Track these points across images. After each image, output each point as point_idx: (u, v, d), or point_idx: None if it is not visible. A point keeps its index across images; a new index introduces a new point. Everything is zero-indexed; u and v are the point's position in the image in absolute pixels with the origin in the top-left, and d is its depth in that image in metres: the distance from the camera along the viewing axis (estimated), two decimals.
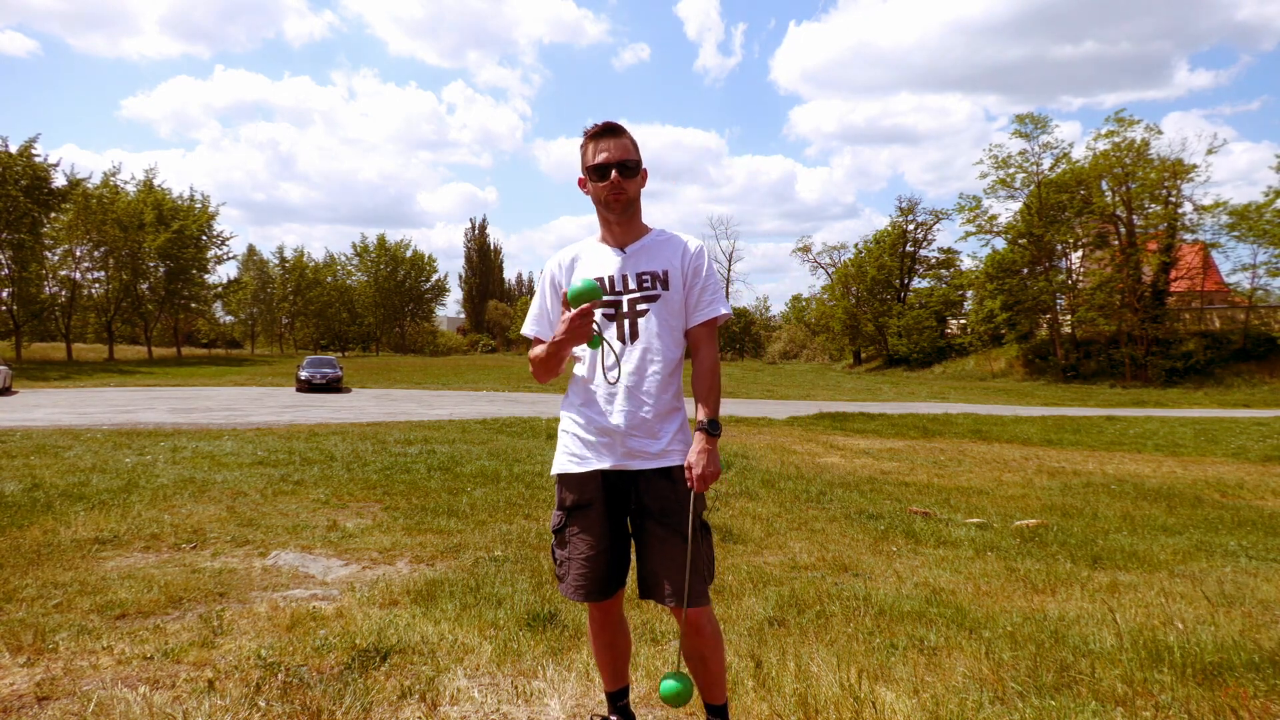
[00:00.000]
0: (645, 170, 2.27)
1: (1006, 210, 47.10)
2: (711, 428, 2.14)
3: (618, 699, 2.45)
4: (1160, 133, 40.88)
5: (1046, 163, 43.10)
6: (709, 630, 2.22)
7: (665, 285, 2.23)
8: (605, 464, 2.20)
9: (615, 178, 2.18)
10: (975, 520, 6.55)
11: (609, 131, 2.20)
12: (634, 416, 2.18)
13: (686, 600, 2.13)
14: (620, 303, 2.23)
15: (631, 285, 2.23)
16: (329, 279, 77.20)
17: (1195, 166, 38.23)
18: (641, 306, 2.22)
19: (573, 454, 2.25)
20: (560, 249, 2.40)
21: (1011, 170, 43.73)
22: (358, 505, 6.45)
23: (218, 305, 67.08)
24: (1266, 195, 36.81)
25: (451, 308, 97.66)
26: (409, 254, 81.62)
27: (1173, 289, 41.22)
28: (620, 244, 2.28)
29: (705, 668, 2.26)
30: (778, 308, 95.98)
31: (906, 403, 26.13)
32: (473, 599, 3.85)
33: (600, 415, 2.21)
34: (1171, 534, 6.39)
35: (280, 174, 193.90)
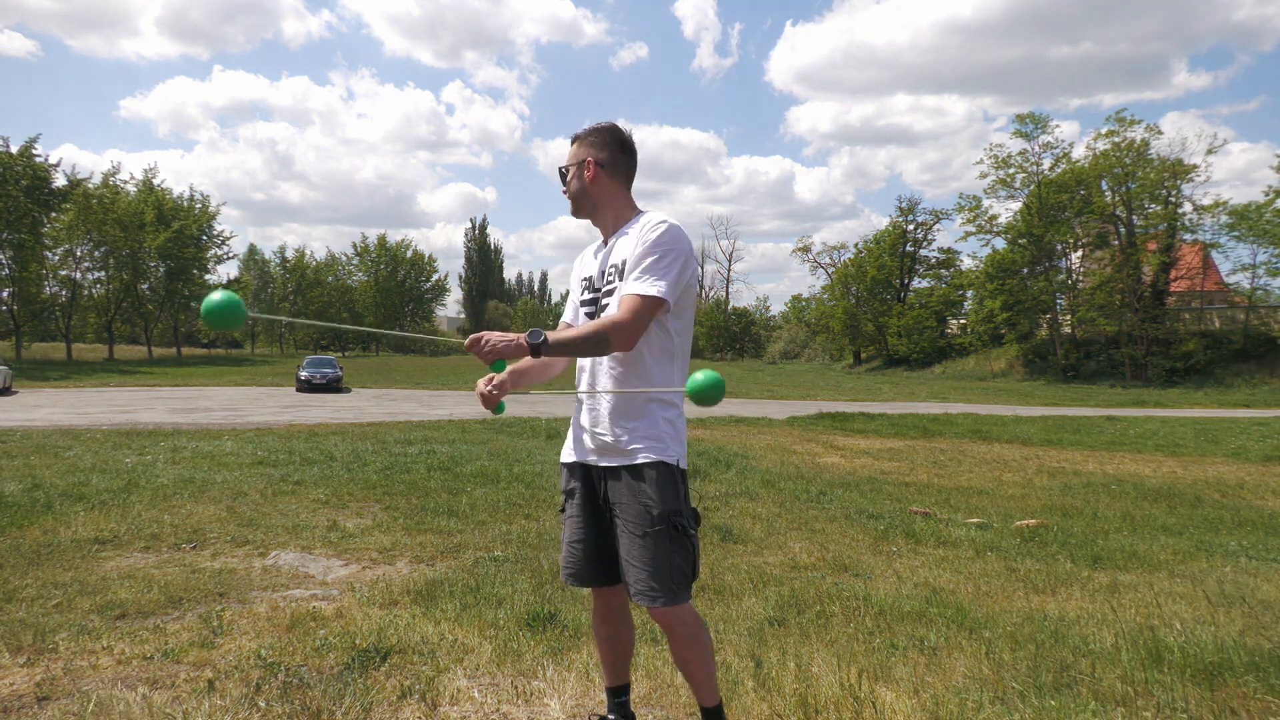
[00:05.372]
0: (590, 163, 2.28)
1: (1006, 210, 47.07)
2: (533, 337, 1.99)
3: (617, 695, 2.45)
4: (1160, 133, 40.89)
5: (1046, 163, 43.20)
6: (680, 633, 2.20)
7: (622, 277, 2.20)
8: (579, 457, 2.31)
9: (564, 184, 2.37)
10: (975, 520, 6.55)
11: (572, 140, 2.37)
12: (597, 413, 2.24)
13: (642, 597, 2.15)
14: (598, 299, 2.28)
15: (601, 281, 2.29)
16: (329, 279, 77.24)
17: (1195, 166, 38.33)
18: (605, 301, 2.25)
19: (567, 443, 2.39)
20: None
21: (1011, 170, 43.80)
22: (358, 505, 6.45)
23: None
24: (1266, 195, 36.88)
25: (451, 308, 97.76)
26: (409, 254, 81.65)
27: (1173, 289, 41.26)
28: (605, 238, 2.35)
29: (687, 669, 2.28)
30: (778, 308, 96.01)
31: (906, 403, 26.13)
32: (473, 599, 3.85)
33: (577, 411, 2.32)
34: (1172, 534, 6.39)
35: (279, 174, 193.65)
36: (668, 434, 2.19)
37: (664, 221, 2.17)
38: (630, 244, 2.19)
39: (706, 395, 2.01)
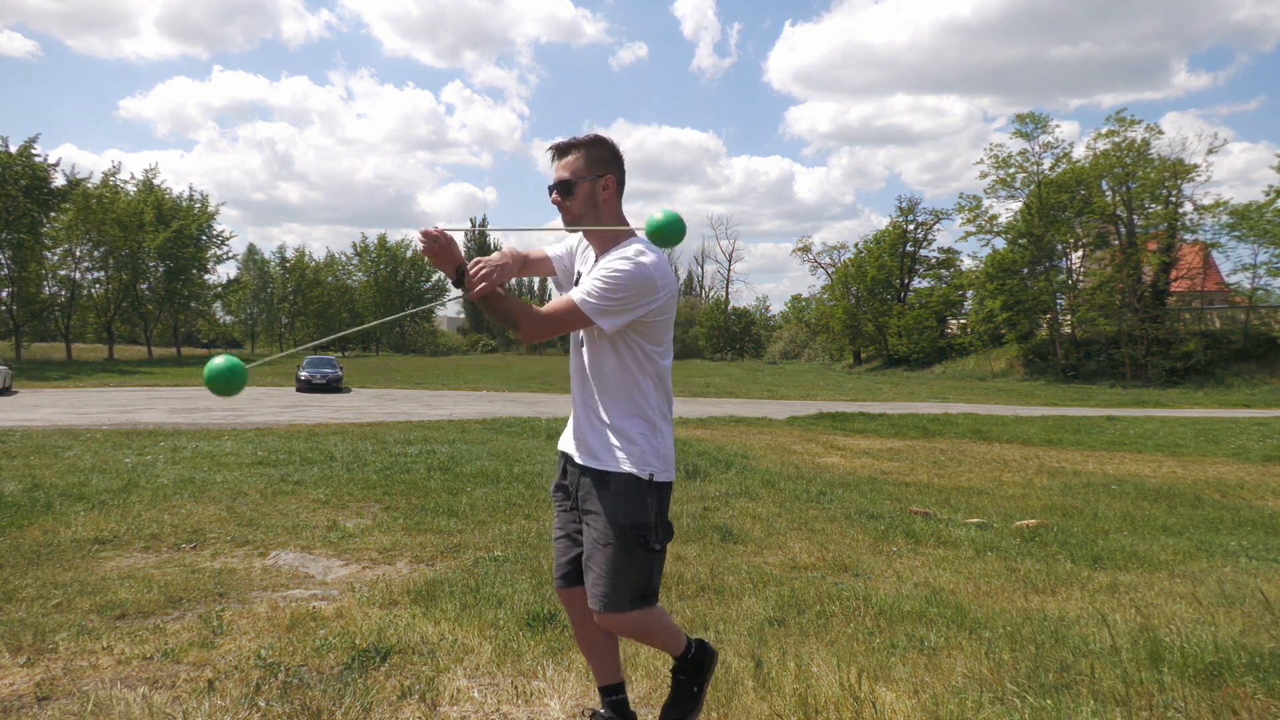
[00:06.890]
0: (610, 179, 2.21)
1: (1006, 210, 47.02)
2: (460, 273, 2.11)
3: (608, 694, 2.47)
4: (1161, 133, 40.86)
5: (1047, 162, 43.13)
6: (625, 635, 2.33)
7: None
8: (563, 447, 2.40)
9: (555, 198, 2.25)
10: (975, 520, 6.55)
11: (558, 152, 2.25)
12: (583, 414, 2.29)
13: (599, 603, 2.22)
14: None
15: None
16: (329, 279, 77.25)
17: (1196, 166, 38.28)
18: None
19: (565, 431, 2.46)
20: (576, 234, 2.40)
21: (1012, 170, 43.74)
22: (358, 505, 6.45)
23: (218, 305, 67.08)
24: (1266, 195, 36.87)
25: (451, 308, 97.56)
26: (409, 254, 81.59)
27: (1173, 289, 41.23)
28: (598, 254, 2.28)
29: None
30: (778, 308, 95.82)
31: (906, 403, 26.13)
32: (473, 599, 3.85)
33: (574, 407, 2.39)
34: (1172, 534, 6.39)
35: (279, 174, 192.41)
36: (641, 448, 2.19)
37: (643, 258, 2.11)
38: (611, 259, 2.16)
39: (664, 234, 2.13)
